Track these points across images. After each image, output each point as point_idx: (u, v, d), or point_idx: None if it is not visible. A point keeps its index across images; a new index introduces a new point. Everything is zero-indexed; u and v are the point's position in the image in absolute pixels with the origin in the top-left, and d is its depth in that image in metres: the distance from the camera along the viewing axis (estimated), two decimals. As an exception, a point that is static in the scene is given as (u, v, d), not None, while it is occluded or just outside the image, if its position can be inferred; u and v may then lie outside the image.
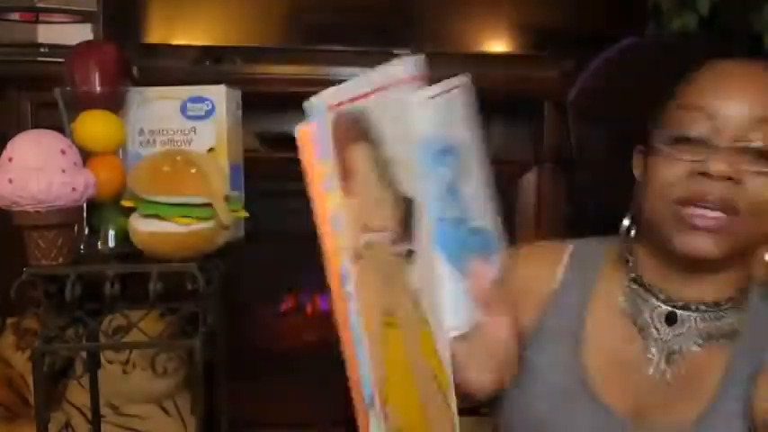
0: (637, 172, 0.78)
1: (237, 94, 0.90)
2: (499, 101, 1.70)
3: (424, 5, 1.70)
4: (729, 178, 0.67)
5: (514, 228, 1.81)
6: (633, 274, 0.78)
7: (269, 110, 1.77)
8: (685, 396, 0.72)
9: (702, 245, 0.69)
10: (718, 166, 0.67)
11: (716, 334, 0.74)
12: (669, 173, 0.71)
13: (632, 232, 0.78)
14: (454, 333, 0.54)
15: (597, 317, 0.79)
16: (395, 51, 1.70)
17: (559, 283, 0.83)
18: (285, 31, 1.69)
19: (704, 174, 0.68)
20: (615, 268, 0.81)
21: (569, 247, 0.86)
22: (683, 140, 0.70)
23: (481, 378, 0.61)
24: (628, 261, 0.79)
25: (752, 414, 0.69)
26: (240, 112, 0.91)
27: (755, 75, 0.71)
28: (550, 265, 0.84)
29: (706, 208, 0.68)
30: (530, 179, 1.77)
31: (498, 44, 1.74)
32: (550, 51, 1.76)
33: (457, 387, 0.56)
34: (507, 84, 1.66)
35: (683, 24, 1.72)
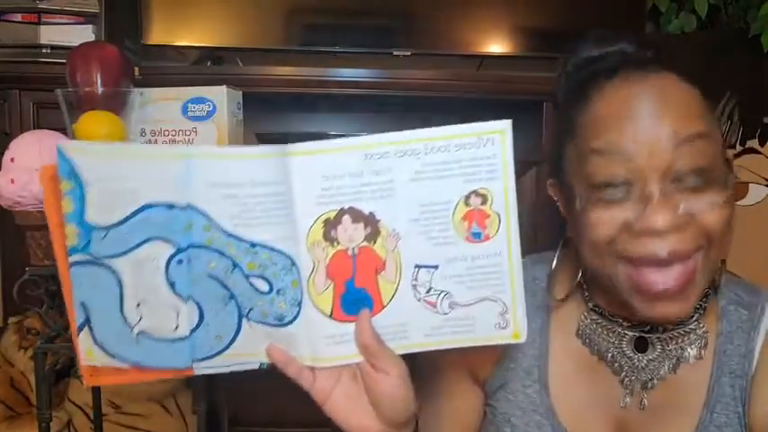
0: (560, 205, 0.71)
1: (238, 94, 0.90)
2: (498, 101, 1.71)
3: (424, 6, 1.71)
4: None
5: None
6: (591, 304, 0.70)
7: (269, 110, 1.78)
8: (670, 421, 0.68)
9: (671, 310, 0.60)
10: (663, 220, 0.56)
11: (690, 351, 0.67)
12: (603, 228, 0.60)
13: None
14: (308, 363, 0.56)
15: (558, 348, 0.72)
16: (395, 52, 1.70)
17: None
18: (286, 33, 1.69)
19: (647, 230, 0.57)
20: (568, 293, 0.72)
21: None
22: (605, 185, 0.60)
23: (363, 422, 0.58)
24: (581, 287, 0.71)
25: (751, 422, 0.66)
26: (241, 113, 0.91)
27: (665, 91, 0.60)
28: None
29: (660, 267, 0.58)
30: (528, 180, 1.78)
31: (497, 45, 1.75)
32: (549, 52, 1.76)
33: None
34: (506, 84, 1.66)
35: (682, 25, 1.73)
